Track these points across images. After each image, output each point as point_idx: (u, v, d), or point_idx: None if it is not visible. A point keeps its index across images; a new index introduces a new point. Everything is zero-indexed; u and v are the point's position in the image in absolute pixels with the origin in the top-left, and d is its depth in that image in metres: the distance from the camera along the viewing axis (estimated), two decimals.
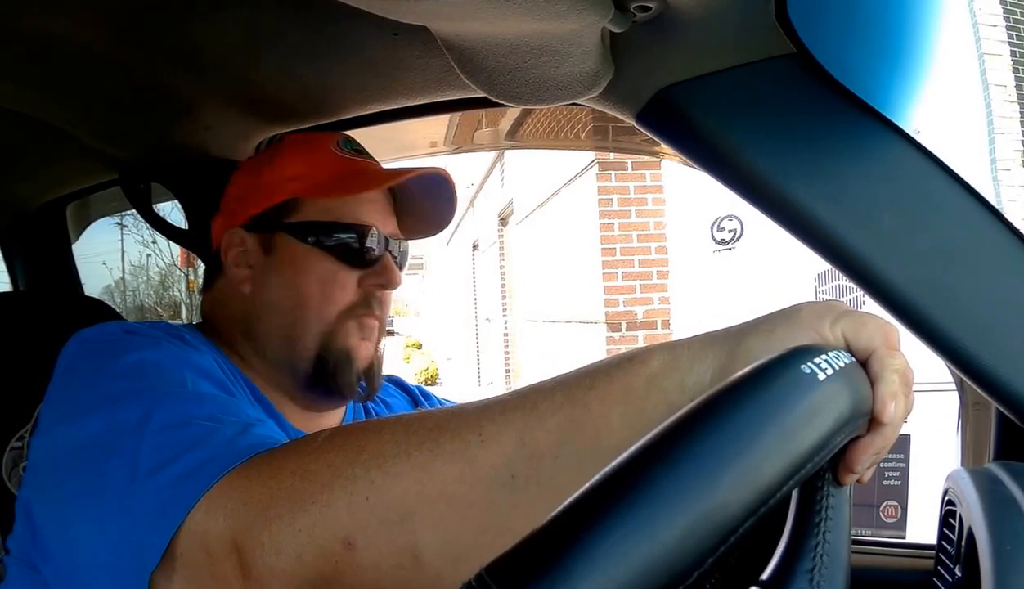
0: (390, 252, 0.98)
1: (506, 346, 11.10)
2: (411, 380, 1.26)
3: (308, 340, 0.93)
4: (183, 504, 0.60)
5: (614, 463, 0.39)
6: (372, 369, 0.98)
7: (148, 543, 0.60)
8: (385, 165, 1.02)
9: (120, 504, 0.63)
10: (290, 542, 0.57)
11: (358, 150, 1.01)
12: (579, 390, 0.58)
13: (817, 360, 0.46)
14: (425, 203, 1.03)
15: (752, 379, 0.44)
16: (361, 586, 0.58)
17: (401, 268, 1.01)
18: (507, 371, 11.13)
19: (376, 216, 0.97)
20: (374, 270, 0.96)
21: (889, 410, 0.49)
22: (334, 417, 1.03)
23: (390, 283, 0.96)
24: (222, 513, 0.59)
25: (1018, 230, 0.76)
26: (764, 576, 0.45)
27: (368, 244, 0.95)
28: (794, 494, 0.47)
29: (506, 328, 11.03)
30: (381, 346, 1.01)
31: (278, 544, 0.57)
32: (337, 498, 0.58)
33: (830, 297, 3.97)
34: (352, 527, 0.57)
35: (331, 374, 0.93)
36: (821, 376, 0.45)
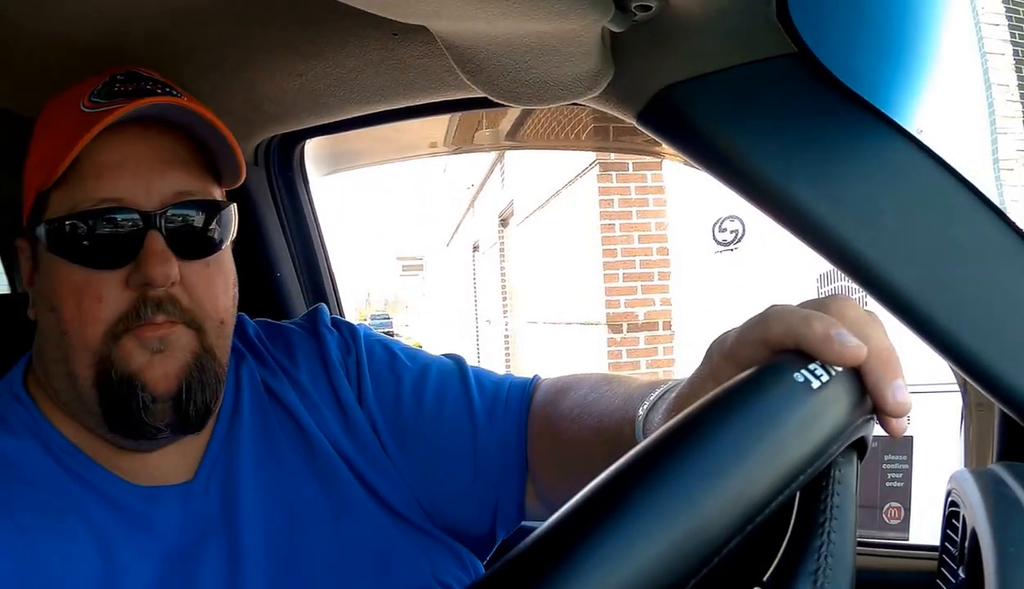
0: (158, 228, 0.72)
1: (507, 348, 11.09)
2: None
3: (84, 372, 0.73)
4: None
5: (592, 484, 0.38)
6: (185, 391, 0.74)
7: None
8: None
9: None
10: None
11: (116, 93, 0.75)
12: None
13: (812, 366, 0.44)
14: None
15: (741, 390, 0.42)
16: None
17: (204, 242, 0.76)
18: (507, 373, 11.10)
19: (129, 181, 0.73)
20: (137, 262, 0.71)
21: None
22: (189, 446, 0.81)
23: (151, 280, 0.71)
24: None
25: (1021, 230, 0.75)
26: (767, 577, 0.45)
27: (113, 230, 0.72)
28: (797, 493, 0.46)
29: (507, 330, 11.02)
30: (211, 354, 0.77)
31: None
32: None
33: None
34: None
35: (119, 410, 0.73)
36: (815, 384, 0.43)
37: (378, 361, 0.92)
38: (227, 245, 0.81)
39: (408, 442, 0.88)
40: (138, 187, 0.73)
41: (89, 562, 0.70)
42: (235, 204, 0.82)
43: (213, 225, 0.77)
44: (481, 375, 0.93)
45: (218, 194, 0.80)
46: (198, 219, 0.76)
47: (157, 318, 0.72)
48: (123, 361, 0.72)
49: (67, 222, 0.72)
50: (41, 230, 0.74)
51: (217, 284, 0.78)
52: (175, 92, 0.79)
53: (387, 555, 0.82)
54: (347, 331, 0.95)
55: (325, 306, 0.99)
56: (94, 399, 0.73)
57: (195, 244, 0.76)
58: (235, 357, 0.88)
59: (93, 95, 0.75)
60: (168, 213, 0.74)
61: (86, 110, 0.74)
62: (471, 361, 0.97)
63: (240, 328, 0.91)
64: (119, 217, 0.72)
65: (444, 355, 0.98)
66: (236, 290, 0.83)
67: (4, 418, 0.77)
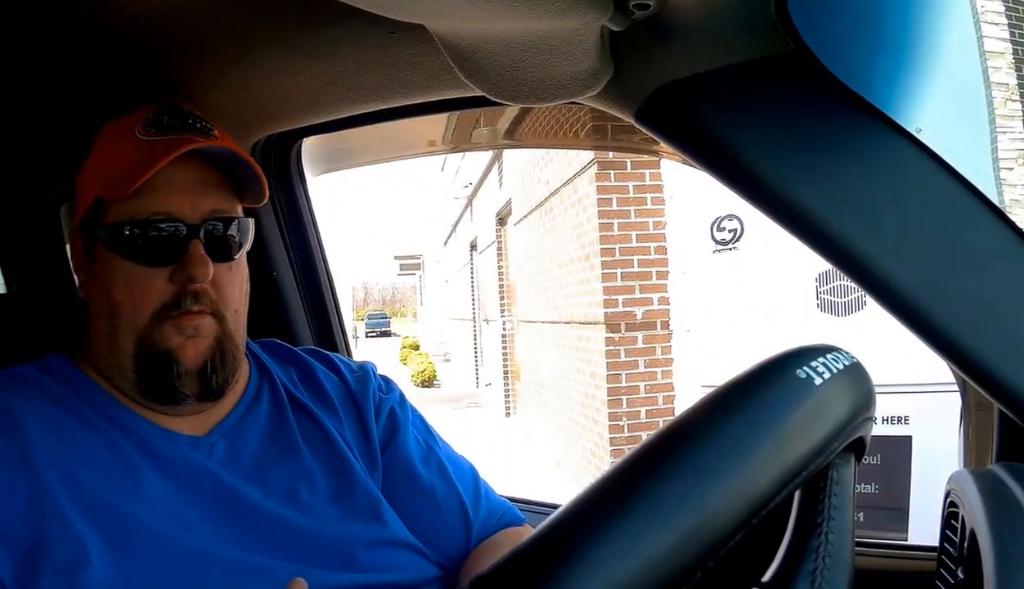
0: (199, 238, 0.90)
1: (504, 347, 11.10)
2: (408, 381, 1.17)
3: (126, 346, 0.90)
4: None
5: (600, 477, 0.39)
6: (210, 367, 0.91)
7: None
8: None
9: None
10: None
11: (165, 126, 0.93)
12: None
13: (814, 364, 0.45)
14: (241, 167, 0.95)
15: (745, 387, 0.43)
16: None
17: (231, 248, 0.94)
18: (505, 372, 11.13)
19: (177, 199, 0.90)
20: (181, 263, 0.89)
21: None
22: (209, 417, 0.96)
23: (193, 277, 0.89)
24: None
25: (1020, 229, 0.75)
26: (766, 577, 0.45)
27: (163, 237, 0.89)
28: (797, 493, 0.47)
29: (504, 329, 11.03)
30: (231, 338, 0.94)
31: None
32: None
33: (831, 297, 3.96)
34: None
35: (155, 378, 0.90)
36: (818, 380, 0.44)
37: (416, 427, 1.09)
38: (244, 250, 0.99)
39: (401, 504, 1.01)
40: (184, 204, 0.90)
41: (105, 460, 0.86)
42: (252, 218, 0.99)
43: (236, 236, 0.95)
44: (489, 489, 1.11)
45: (240, 211, 0.97)
46: (226, 231, 0.94)
47: (194, 307, 0.90)
48: (163, 342, 0.89)
49: (126, 227, 0.89)
50: (102, 231, 0.91)
51: (236, 281, 0.96)
52: (209, 126, 0.96)
53: (383, 513, 0.96)
54: (392, 385, 1.12)
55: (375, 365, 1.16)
56: (131, 368, 0.90)
57: (223, 250, 0.93)
58: (259, 369, 1.04)
59: (146, 124, 0.92)
60: (206, 225, 0.91)
61: (142, 138, 0.91)
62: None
63: (274, 348, 1.10)
64: (169, 226, 0.89)
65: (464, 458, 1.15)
66: (248, 286, 1.01)
67: (45, 364, 0.94)
